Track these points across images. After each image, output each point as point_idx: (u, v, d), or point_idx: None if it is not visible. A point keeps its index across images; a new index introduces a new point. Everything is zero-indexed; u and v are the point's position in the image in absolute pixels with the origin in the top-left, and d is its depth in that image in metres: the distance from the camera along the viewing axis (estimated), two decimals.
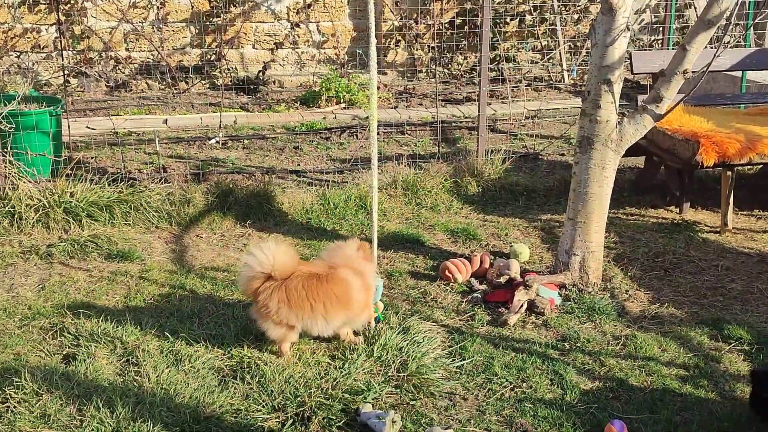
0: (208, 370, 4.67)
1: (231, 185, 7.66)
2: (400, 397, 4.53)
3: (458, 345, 5.10)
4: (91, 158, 8.98)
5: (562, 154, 9.72)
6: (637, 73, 8.39)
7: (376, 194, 5.84)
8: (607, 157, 5.78)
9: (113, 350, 4.85)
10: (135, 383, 4.48)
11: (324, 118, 11.54)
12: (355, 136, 10.47)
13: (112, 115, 11.17)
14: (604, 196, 5.88)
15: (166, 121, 10.94)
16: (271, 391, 4.45)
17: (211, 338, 5.02)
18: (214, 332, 5.10)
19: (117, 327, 5.13)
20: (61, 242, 6.59)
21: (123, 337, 4.97)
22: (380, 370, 4.71)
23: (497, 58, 13.47)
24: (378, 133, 10.21)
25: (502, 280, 6.08)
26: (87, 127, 10.41)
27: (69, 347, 4.91)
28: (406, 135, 10.59)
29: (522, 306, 5.57)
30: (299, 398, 4.37)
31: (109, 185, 7.28)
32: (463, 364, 4.88)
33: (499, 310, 5.67)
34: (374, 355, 4.83)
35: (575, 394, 4.59)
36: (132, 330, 5.07)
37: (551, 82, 13.47)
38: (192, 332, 5.08)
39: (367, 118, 11.48)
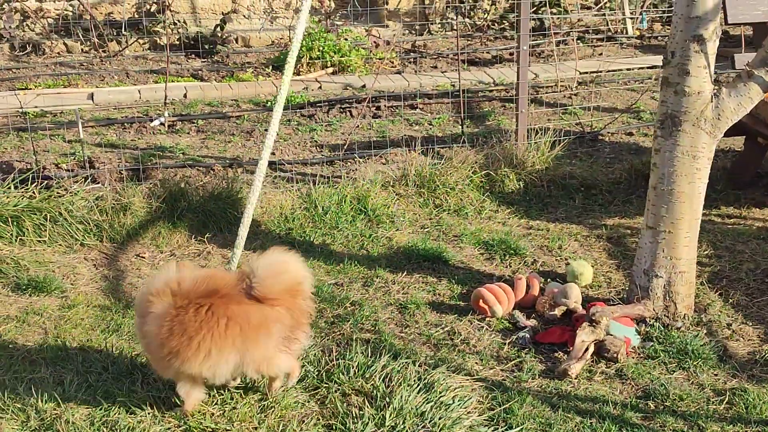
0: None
1: (182, 185, 7.50)
2: None
3: (502, 407, 4.93)
4: None
5: (630, 133, 9.59)
6: (733, 24, 8.21)
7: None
8: (700, 143, 5.62)
9: (25, 422, 4.67)
10: None
11: (306, 88, 11.39)
12: (347, 113, 10.31)
13: (19, 89, 11.02)
14: (696, 195, 5.72)
15: (92, 96, 10.79)
16: None
17: (160, 402, 4.85)
18: (164, 394, 4.92)
19: (29, 389, 4.93)
20: None
21: (38, 404, 4.78)
22: None
23: (539, 3, 13.29)
24: (379, 108, 10.10)
25: (558, 312, 5.94)
26: None
27: None
28: (418, 110, 10.44)
29: (587, 350, 5.41)
30: None
31: (16, 188, 7.12)
32: None
33: (556, 355, 5.53)
34: (386, 423, 4.67)
35: None
36: (51, 392, 4.89)
37: (611, 34, 13.31)
38: (133, 394, 4.90)
39: (363, 86, 11.38)
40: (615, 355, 5.42)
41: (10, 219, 6.85)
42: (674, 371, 5.34)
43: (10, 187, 7.11)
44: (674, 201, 5.71)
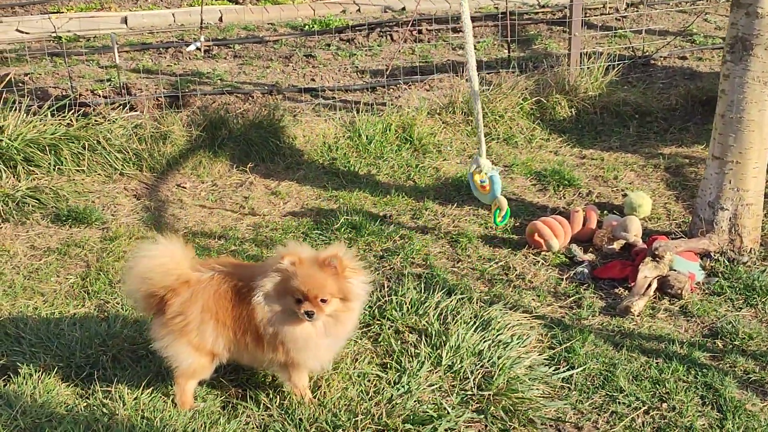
0: (207, 388, 4.37)
1: (222, 113, 7.31)
2: (486, 426, 4.21)
3: (562, 346, 4.76)
4: (26, 75, 8.62)
5: (683, 57, 9.27)
6: None
7: None
8: None
9: (70, 360, 4.55)
10: (104, 410, 4.19)
11: (343, 11, 11.10)
12: (388, 37, 10.02)
13: (51, 13, 10.81)
14: (767, 123, 5.47)
15: (125, 20, 10.56)
16: (300, 419, 4.14)
17: None
18: None
19: (74, 324, 4.82)
20: None
21: (83, 340, 4.66)
22: (454, 386, 4.40)
23: None
24: (420, 32, 9.84)
25: (617, 246, 5.76)
26: (17, 30, 10.06)
27: (6, 356, 4.62)
28: (461, 34, 10.12)
29: (650, 286, 5.22)
30: (341, 430, 4.07)
31: (53, 115, 6.96)
32: (572, 375, 4.55)
33: (616, 291, 5.34)
34: (443, 362, 4.52)
35: (740, 419, 4.25)
36: (96, 329, 4.76)
37: None
38: None
39: (403, 9, 11.08)
40: (679, 291, 5.23)
41: (47, 147, 6.71)
42: (741, 308, 5.14)
43: (46, 115, 6.95)
44: (743, 129, 5.46)
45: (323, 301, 3.94)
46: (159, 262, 4.16)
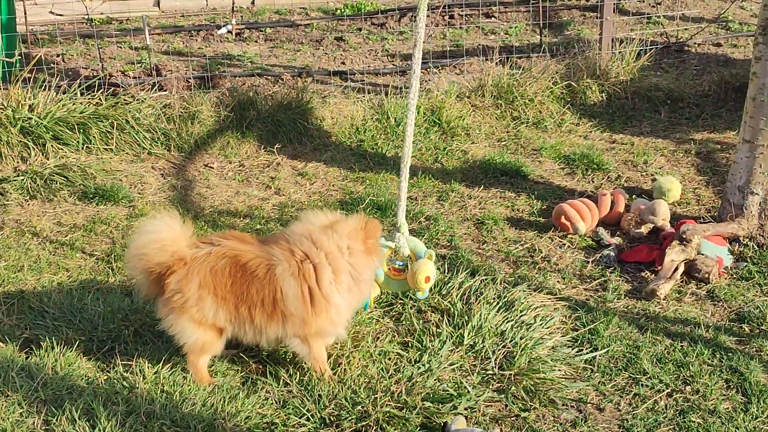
0: (228, 363, 4.37)
1: (251, 94, 7.30)
2: (506, 406, 4.18)
3: (586, 328, 4.72)
4: (57, 56, 8.67)
5: (718, 44, 9.14)
6: None
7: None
8: None
9: (92, 333, 4.57)
10: (124, 383, 4.20)
11: None
12: None
13: None
14: None
15: (158, 3, 10.58)
16: (319, 395, 4.13)
17: None
18: None
19: (97, 300, 4.84)
20: (18, 175, 6.33)
21: (105, 315, 4.68)
22: (475, 366, 4.37)
23: None
24: (452, 16, 9.80)
25: (645, 230, 5.70)
26: (51, 12, 10.11)
27: (30, 329, 4.65)
28: (494, 18, 10.06)
29: (677, 269, 5.17)
30: (360, 407, 4.05)
31: (82, 94, 6.99)
32: (595, 357, 4.51)
33: (642, 274, 5.29)
34: (465, 342, 4.50)
35: (765, 403, 4.19)
36: (119, 304, 4.78)
37: None
38: None
39: None
40: (706, 275, 5.17)
41: (76, 126, 6.74)
42: None
43: (76, 94, 6.97)
44: None
45: None
46: (154, 239, 4.17)
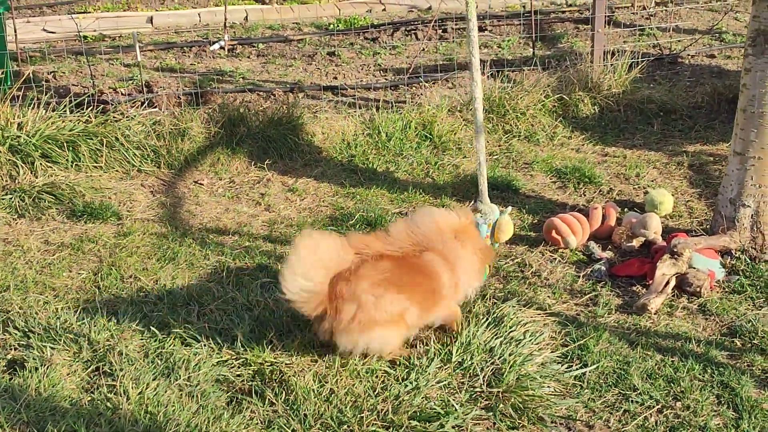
0: (212, 383, 4.33)
1: (241, 110, 7.27)
2: (494, 424, 4.13)
3: (576, 344, 4.67)
4: (49, 74, 8.66)
5: (712, 56, 9.13)
6: None
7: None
8: None
9: (77, 353, 4.53)
10: (108, 404, 4.16)
11: (369, 10, 11.06)
12: (412, 36, 9.97)
13: (78, 13, 10.86)
14: None
15: (151, 20, 10.58)
16: (305, 415, 4.09)
17: (217, 335, 4.68)
18: (221, 326, 4.76)
19: (83, 318, 4.80)
20: (6, 194, 6.31)
21: (91, 334, 4.64)
22: (463, 383, 4.33)
23: None
24: (446, 31, 9.79)
25: (636, 243, 5.64)
26: (43, 29, 10.12)
27: (15, 349, 4.60)
28: (487, 32, 10.05)
29: (668, 283, 5.11)
30: (346, 426, 4.02)
31: (72, 112, 6.96)
32: (584, 373, 4.46)
33: (633, 288, 5.24)
34: (453, 359, 4.45)
35: (756, 419, 4.14)
36: (104, 323, 4.74)
37: None
38: (189, 326, 4.74)
39: (429, 8, 11.00)
40: (698, 289, 5.12)
41: (65, 144, 6.71)
42: (762, 307, 5.02)
43: (65, 112, 6.95)
44: (765, 124, 5.34)
45: None
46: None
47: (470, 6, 5.70)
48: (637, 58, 8.02)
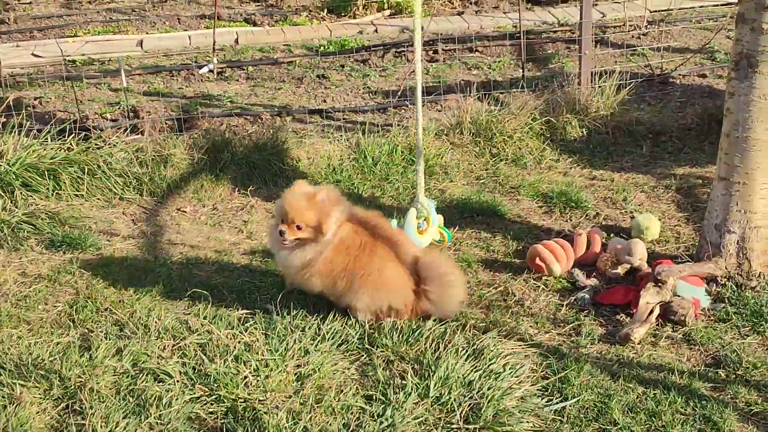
0: (183, 421, 4.24)
1: (227, 135, 7.20)
2: None
3: (557, 376, 4.57)
4: (35, 99, 8.59)
5: (703, 75, 9.05)
6: None
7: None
8: None
9: (48, 391, 4.43)
10: None
11: (360, 32, 10.99)
12: (403, 57, 9.90)
13: (68, 36, 10.80)
14: None
15: (140, 43, 10.51)
16: None
17: (191, 369, 4.59)
18: (195, 361, 4.65)
19: (55, 354, 4.70)
20: None
21: (63, 371, 4.54)
22: (440, 419, 4.24)
23: None
24: (436, 52, 9.71)
25: (621, 271, 5.56)
26: (33, 54, 10.05)
27: None
28: (477, 53, 9.98)
29: (652, 312, 5.03)
30: None
31: (53, 140, 6.88)
32: (564, 408, 4.36)
33: (618, 317, 5.15)
34: (431, 394, 4.36)
35: None
36: (76, 359, 4.65)
37: None
38: (162, 360, 4.65)
39: (421, 29, 10.92)
40: (682, 317, 5.03)
41: (46, 172, 6.63)
42: (748, 336, 4.93)
43: (47, 139, 6.87)
44: (749, 149, 5.25)
45: (298, 228, 4.87)
46: None
47: (416, 34, 6.10)
48: (626, 79, 7.94)
